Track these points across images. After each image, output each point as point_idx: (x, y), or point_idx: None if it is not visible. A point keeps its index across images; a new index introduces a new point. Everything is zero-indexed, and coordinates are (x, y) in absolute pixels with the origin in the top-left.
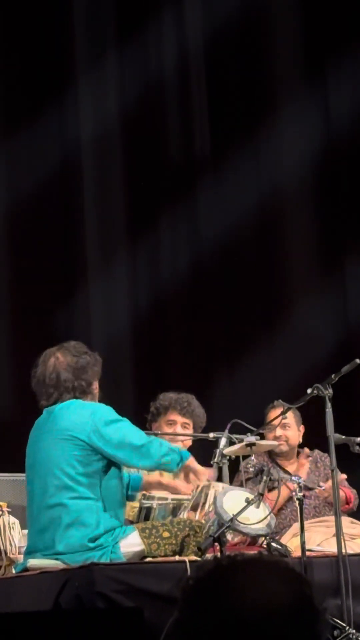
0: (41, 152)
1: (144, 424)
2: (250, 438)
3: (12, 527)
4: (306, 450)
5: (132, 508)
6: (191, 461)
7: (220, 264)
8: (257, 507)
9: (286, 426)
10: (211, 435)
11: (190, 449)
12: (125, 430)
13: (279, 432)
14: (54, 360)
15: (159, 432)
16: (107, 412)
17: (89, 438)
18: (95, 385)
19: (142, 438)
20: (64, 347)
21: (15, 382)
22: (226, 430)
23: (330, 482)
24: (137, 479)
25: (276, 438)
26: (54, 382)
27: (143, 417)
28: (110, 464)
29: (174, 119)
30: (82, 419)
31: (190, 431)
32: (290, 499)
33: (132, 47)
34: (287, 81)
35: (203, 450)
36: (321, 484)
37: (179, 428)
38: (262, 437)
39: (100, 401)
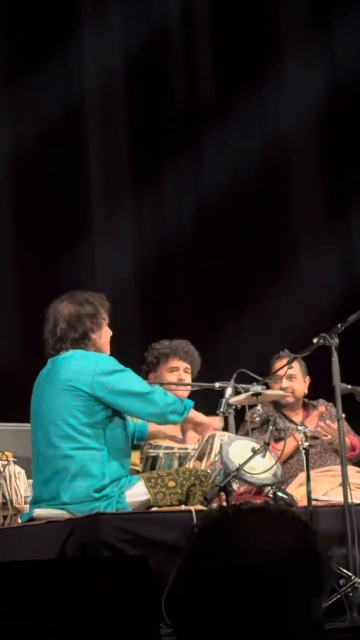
0: (45, 101)
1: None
2: (256, 388)
3: (18, 477)
4: (321, 408)
5: (138, 457)
6: (193, 413)
7: (225, 213)
8: (263, 456)
9: (292, 377)
10: (217, 385)
11: (194, 398)
12: (128, 379)
13: (285, 383)
14: (54, 310)
15: (164, 381)
16: (109, 362)
17: (91, 388)
18: (96, 335)
19: (146, 386)
20: (69, 296)
21: (21, 332)
22: (232, 380)
23: (335, 424)
24: (143, 428)
25: (282, 389)
26: (52, 332)
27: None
28: (115, 413)
29: (178, 67)
30: (83, 369)
31: (190, 376)
32: (296, 449)
33: None
34: (293, 27)
35: (208, 400)
36: (327, 421)
37: (182, 374)
38: (268, 387)
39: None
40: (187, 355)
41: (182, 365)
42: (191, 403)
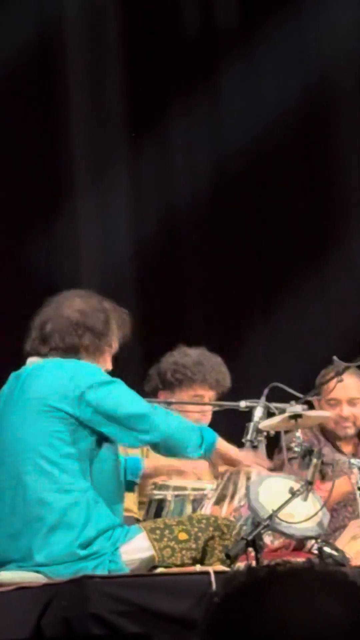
0: (11, 25)
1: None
2: (295, 407)
3: None
4: None
5: (133, 500)
6: (220, 443)
7: (251, 173)
8: (305, 500)
9: (354, 401)
10: (242, 404)
11: (213, 421)
12: (117, 395)
13: (346, 410)
14: (58, 302)
15: (170, 400)
16: (93, 371)
17: (72, 406)
18: (90, 359)
19: (141, 406)
20: (86, 295)
21: None
22: (263, 398)
23: None
24: (135, 459)
25: (341, 419)
26: (40, 326)
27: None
28: (103, 440)
29: None
30: (61, 382)
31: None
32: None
33: None
34: None
35: (231, 424)
36: None
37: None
38: (311, 406)
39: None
40: (218, 385)
41: (207, 394)
42: (213, 436)
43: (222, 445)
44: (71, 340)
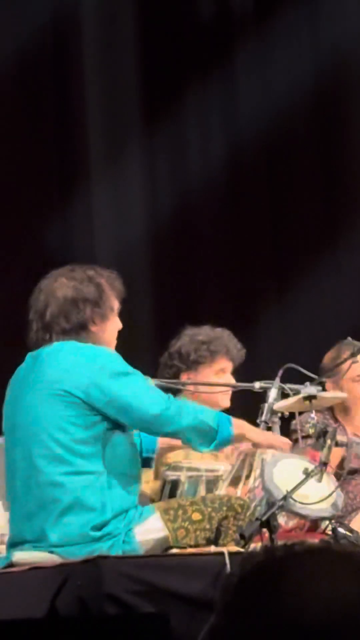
0: (27, 9)
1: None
2: (310, 389)
3: None
4: None
5: (150, 476)
6: (237, 428)
7: (267, 153)
8: (319, 480)
9: None
10: (257, 385)
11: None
12: (135, 389)
13: None
14: (47, 287)
15: (189, 381)
16: (112, 359)
17: (86, 394)
18: (98, 328)
19: (156, 403)
20: (68, 271)
21: None
22: (277, 379)
23: None
24: (151, 437)
25: (356, 399)
26: (39, 314)
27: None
28: (116, 426)
29: None
30: (76, 368)
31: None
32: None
33: None
34: None
35: (245, 405)
36: None
37: (227, 377)
38: (324, 387)
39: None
40: (238, 354)
41: (229, 366)
42: (229, 430)
43: (242, 430)
44: (76, 317)
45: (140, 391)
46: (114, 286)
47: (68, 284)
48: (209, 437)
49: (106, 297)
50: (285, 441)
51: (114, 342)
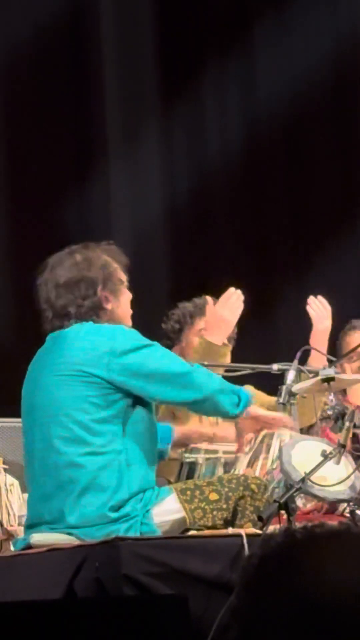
0: None
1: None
2: (328, 371)
3: (10, 490)
4: None
5: (168, 463)
6: (253, 409)
7: (285, 135)
8: (338, 462)
9: None
10: (275, 367)
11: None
12: (158, 356)
13: None
14: (49, 274)
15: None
16: (130, 335)
17: (108, 372)
18: (112, 304)
19: (183, 364)
20: (66, 255)
21: (14, 298)
22: (295, 361)
23: None
24: (166, 428)
25: None
26: (49, 303)
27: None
28: (137, 402)
29: None
30: (96, 348)
31: None
32: None
33: None
34: None
35: (263, 388)
36: None
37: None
38: (343, 369)
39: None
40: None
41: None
42: (247, 395)
43: (254, 409)
44: (89, 298)
45: (165, 357)
46: (116, 258)
47: (71, 266)
48: (236, 399)
49: (112, 270)
50: (287, 420)
51: (130, 312)
